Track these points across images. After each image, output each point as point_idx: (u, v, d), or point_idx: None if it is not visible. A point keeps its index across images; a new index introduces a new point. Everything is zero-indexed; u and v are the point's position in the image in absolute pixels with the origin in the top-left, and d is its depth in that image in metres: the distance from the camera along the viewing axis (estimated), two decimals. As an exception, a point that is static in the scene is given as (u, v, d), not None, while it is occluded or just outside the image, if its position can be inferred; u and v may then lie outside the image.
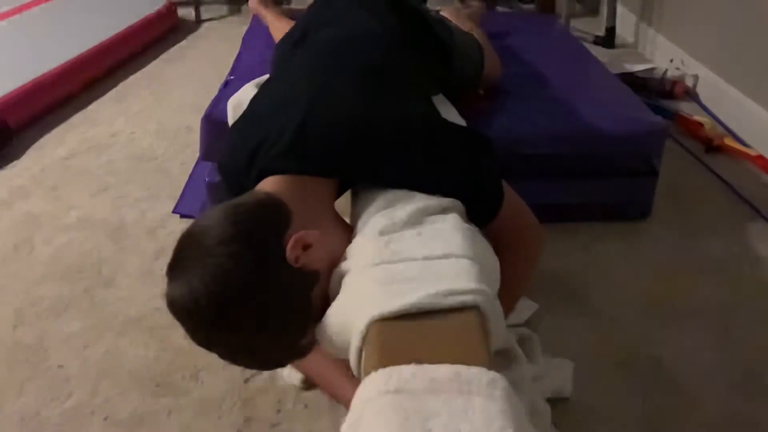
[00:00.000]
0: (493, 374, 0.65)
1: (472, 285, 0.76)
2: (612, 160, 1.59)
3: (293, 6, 2.81)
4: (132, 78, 2.59)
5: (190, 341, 0.82)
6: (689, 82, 2.36)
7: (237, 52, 2.02)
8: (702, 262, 1.52)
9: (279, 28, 1.81)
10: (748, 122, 2.05)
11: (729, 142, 1.99)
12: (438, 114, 1.09)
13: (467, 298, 0.74)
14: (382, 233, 0.85)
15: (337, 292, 0.83)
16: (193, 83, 2.52)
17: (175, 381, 1.21)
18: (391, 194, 0.91)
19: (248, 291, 0.78)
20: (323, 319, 0.83)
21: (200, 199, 1.70)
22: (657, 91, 2.32)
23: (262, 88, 1.14)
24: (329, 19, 1.26)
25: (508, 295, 0.89)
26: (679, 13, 2.52)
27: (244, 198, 0.85)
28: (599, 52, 2.43)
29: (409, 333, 0.72)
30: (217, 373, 1.21)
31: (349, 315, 0.78)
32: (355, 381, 0.72)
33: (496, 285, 0.87)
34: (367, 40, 1.16)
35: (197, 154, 1.85)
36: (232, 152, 1.04)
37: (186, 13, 3.24)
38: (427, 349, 0.69)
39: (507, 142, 1.49)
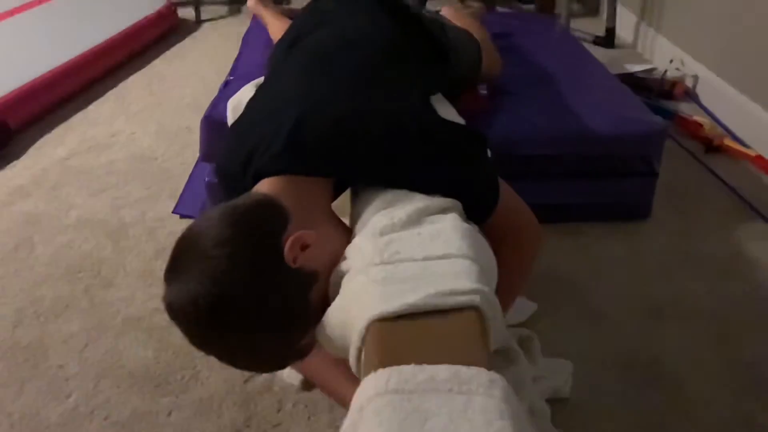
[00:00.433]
0: (492, 374, 0.65)
1: (471, 285, 0.76)
2: (612, 160, 1.59)
3: (293, 6, 2.81)
4: (132, 78, 2.59)
5: (189, 341, 0.82)
6: (689, 83, 2.36)
7: (237, 52, 2.03)
8: (701, 263, 1.52)
9: (277, 28, 1.81)
10: (748, 123, 2.05)
11: (728, 142, 1.99)
12: (432, 112, 1.09)
13: (467, 299, 0.74)
14: (381, 233, 0.85)
15: (337, 292, 0.83)
16: (193, 83, 2.52)
17: (175, 381, 1.21)
18: (391, 194, 0.91)
19: (247, 292, 0.77)
20: (323, 318, 0.83)
21: (200, 200, 1.70)
22: (657, 92, 2.32)
23: (258, 92, 1.14)
24: (321, 21, 1.26)
25: (505, 293, 0.89)
26: (679, 13, 2.52)
27: (241, 199, 0.85)
28: (599, 53, 2.43)
29: (409, 333, 0.72)
30: (216, 373, 1.21)
31: (348, 315, 0.78)
32: (355, 381, 0.72)
33: (494, 284, 0.87)
34: (359, 40, 1.16)
35: (197, 155, 1.85)
36: (228, 155, 1.04)
37: (186, 13, 3.24)
38: (426, 349, 0.69)
39: (507, 142, 1.50)
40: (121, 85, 2.52)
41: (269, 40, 1.89)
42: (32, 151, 2.04)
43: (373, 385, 0.65)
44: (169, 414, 1.15)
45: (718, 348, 1.28)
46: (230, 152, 1.04)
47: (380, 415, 0.62)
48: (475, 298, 0.75)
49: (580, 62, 1.95)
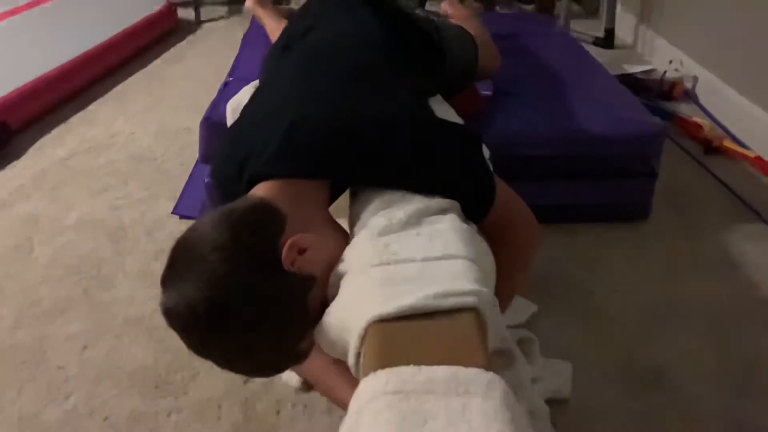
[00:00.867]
0: (491, 375, 0.65)
1: (470, 286, 0.76)
2: (611, 161, 1.59)
3: (292, 6, 2.81)
4: (132, 78, 2.59)
5: (188, 343, 0.82)
6: (688, 84, 2.36)
7: (236, 53, 2.03)
8: (701, 263, 1.52)
9: (276, 29, 1.81)
10: (747, 124, 2.05)
11: (727, 143, 1.99)
12: (427, 111, 1.09)
13: (466, 300, 0.74)
14: (380, 234, 0.85)
15: (336, 294, 0.83)
16: (193, 84, 2.52)
17: (175, 382, 1.21)
18: (390, 195, 0.91)
19: (244, 296, 0.77)
20: (322, 320, 0.83)
21: (199, 200, 1.70)
22: (656, 93, 2.33)
23: (252, 98, 1.14)
24: (311, 26, 1.26)
25: (504, 291, 0.89)
26: (678, 14, 2.52)
27: (238, 203, 0.85)
28: (598, 53, 2.43)
29: (408, 334, 0.72)
30: (216, 375, 1.21)
31: (347, 316, 0.78)
32: (353, 383, 0.72)
33: (493, 285, 0.87)
34: (350, 43, 1.16)
35: (196, 155, 1.85)
36: (223, 160, 1.04)
37: (186, 13, 3.24)
38: (425, 351, 0.69)
39: (506, 143, 1.50)
40: (121, 86, 2.52)
41: (269, 41, 1.89)
42: (32, 152, 2.04)
43: (371, 387, 0.65)
44: (169, 415, 1.15)
45: (717, 348, 1.28)
46: (225, 157, 1.04)
47: (379, 416, 0.62)
48: (474, 300, 0.75)
49: (580, 63, 1.95)
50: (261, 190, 0.89)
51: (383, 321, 0.73)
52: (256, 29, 2.12)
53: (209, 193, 1.59)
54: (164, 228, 1.65)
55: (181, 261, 0.79)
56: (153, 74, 2.64)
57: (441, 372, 0.65)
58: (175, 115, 2.25)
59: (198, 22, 3.23)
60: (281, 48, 1.27)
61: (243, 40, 2.13)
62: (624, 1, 2.93)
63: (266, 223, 0.83)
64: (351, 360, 0.76)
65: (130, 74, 2.62)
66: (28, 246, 1.60)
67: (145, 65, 2.71)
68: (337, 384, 1.08)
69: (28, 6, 2.84)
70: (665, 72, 2.39)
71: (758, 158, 1.91)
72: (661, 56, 2.58)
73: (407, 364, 0.66)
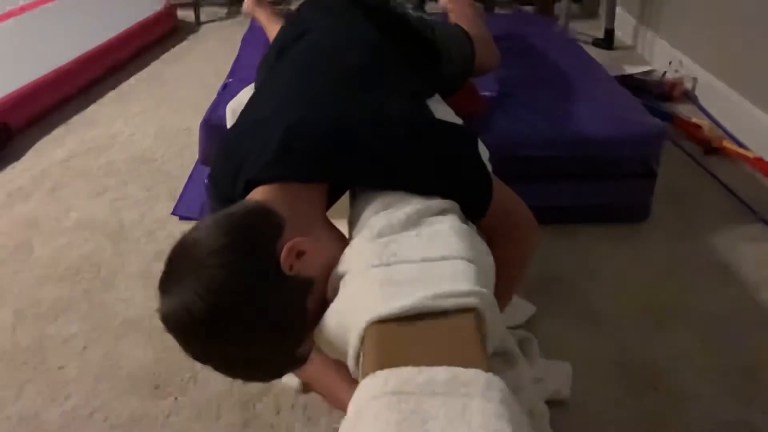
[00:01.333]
0: (490, 376, 0.65)
1: (469, 287, 0.76)
2: (610, 162, 1.59)
3: (291, 7, 2.81)
4: (132, 79, 2.60)
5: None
6: (688, 85, 2.36)
7: (236, 53, 2.03)
8: (700, 264, 1.52)
9: (274, 30, 1.81)
10: (747, 124, 2.05)
11: (727, 144, 1.99)
12: (423, 111, 1.09)
13: (465, 301, 0.74)
14: (380, 235, 0.85)
15: (336, 295, 0.83)
16: (193, 85, 2.52)
17: (174, 383, 1.21)
18: (389, 196, 0.91)
19: (243, 301, 0.76)
20: (321, 320, 0.83)
21: (199, 201, 1.71)
22: (655, 94, 2.33)
23: (248, 103, 1.14)
24: (304, 31, 1.26)
25: (502, 290, 0.88)
26: (677, 15, 2.52)
27: (235, 207, 0.84)
28: (598, 54, 2.43)
29: (407, 335, 0.72)
30: (215, 375, 1.20)
31: (347, 317, 0.78)
32: (353, 384, 0.72)
33: (493, 285, 0.87)
34: (344, 46, 1.16)
35: (196, 156, 1.85)
36: (220, 165, 1.04)
37: (185, 14, 3.24)
38: (424, 351, 0.69)
39: (506, 144, 1.50)
40: (121, 87, 2.53)
41: (268, 42, 1.89)
42: (32, 153, 2.04)
43: (371, 387, 0.65)
44: (168, 416, 1.15)
45: (716, 349, 1.28)
46: (222, 162, 1.04)
47: (378, 417, 0.62)
48: (474, 300, 0.75)
49: (579, 64, 1.95)
50: (258, 194, 0.89)
51: (383, 321, 0.73)
52: (255, 30, 2.12)
53: (209, 193, 1.59)
54: (164, 229, 1.66)
55: (179, 266, 0.79)
56: (153, 75, 2.64)
57: (441, 372, 0.65)
58: (175, 116, 2.26)
59: (198, 23, 3.23)
60: (275, 54, 1.27)
61: (243, 41, 2.13)
62: (624, 2, 2.93)
63: (264, 227, 0.83)
64: (350, 361, 0.76)
65: (130, 75, 2.63)
66: (28, 246, 1.60)
67: (144, 66, 2.72)
68: (337, 385, 1.08)
69: (28, 7, 2.84)
70: (665, 73, 2.39)
71: (758, 159, 1.91)
72: (661, 57, 2.58)
73: (407, 364, 0.66)
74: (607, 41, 2.84)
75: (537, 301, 1.36)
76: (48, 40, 2.57)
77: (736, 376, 1.22)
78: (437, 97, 1.29)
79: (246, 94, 1.44)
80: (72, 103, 2.36)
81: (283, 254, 0.80)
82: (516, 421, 0.62)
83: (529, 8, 3.31)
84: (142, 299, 1.42)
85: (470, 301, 0.75)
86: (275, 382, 1.19)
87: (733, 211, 1.72)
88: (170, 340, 0.80)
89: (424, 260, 0.80)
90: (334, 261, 0.86)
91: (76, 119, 2.26)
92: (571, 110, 1.63)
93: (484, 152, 1.09)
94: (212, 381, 1.21)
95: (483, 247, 0.89)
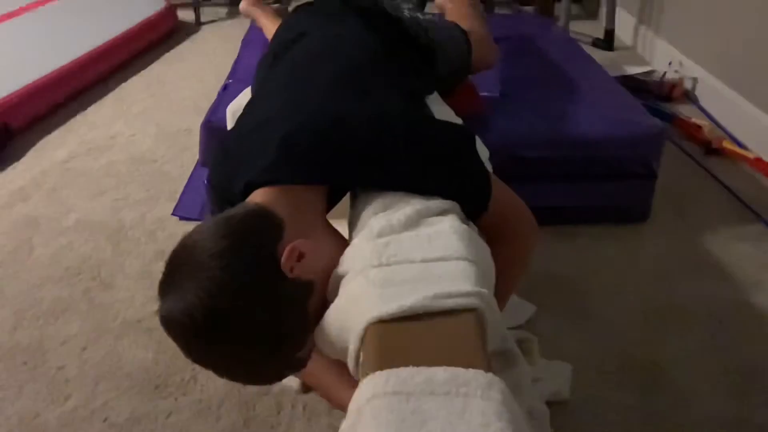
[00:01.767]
0: (490, 376, 0.65)
1: (470, 287, 0.76)
2: (611, 162, 1.59)
3: (290, 7, 2.81)
4: (132, 80, 2.60)
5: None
6: (688, 85, 2.37)
7: (236, 54, 2.03)
8: (700, 265, 1.52)
9: (272, 29, 1.81)
10: (747, 125, 2.05)
11: (727, 144, 1.99)
12: (419, 111, 1.09)
13: (465, 301, 0.74)
14: (380, 235, 0.85)
15: (336, 295, 0.83)
16: (193, 85, 2.52)
17: (174, 383, 1.21)
18: (389, 197, 0.91)
19: (244, 303, 0.76)
20: (321, 321, 0.83)
21: (199, 201, 1.71)
22: (656, 94, 2.33)
23: (245, 108, 1.14)
24: (298, 36, 1.26)
25: (502, 288, 0.88)
26: (677, 15, 2.52)
27: (235, 210, 0.84)
28: (598, 55, 2.43)
29: (407, 335, 0.72)
30: (216, 376, 1.21)
31: (347, 317, 0.78)
32: (353, 384, 0.72)
33: (493, 286, 0.87)
34: (339, 48, 1.16)
35: (196, 156, 1.86)
36: (219, 169, 1.04)
37: (186, 15, 3.24)
38: (424, 352, 0.69)
39: (506, 145, 1.50)
40: (121, 88, 2.53)
41: (268, 42, 1.89)
42: (32, 153, 2.04)
43: (371, 387, 0.65)
44: (168, 416, 1.15)
45: (716, 349, 1.28)
46: (221, 166, 1.04)
47: (378, 417, 0.62)
48: (474, 301, 0.75)
49: (579, 64, 1.95)
50: (258, 197, 0.89)
51: (383, 322, 0.73)
52: (255, 31, 2.12)
53: (209, 196, 1.59)
54: (164, 229, 1.66)
55: (179, 269, 0.78)
56: (153, 76, 2.64)
57: (440, 373, 0.65)
58: (175, 117, 2.26)
59: (198, 24, 3.24)
60: (271, 58, 1.27)
61: (243, 41, 2.14)
62: (624, 2, 2.93)
63: (264, 230, 0.83)
64: (350, 361, 0.76)
65: (131, 76, 2.63)
66: (28, 247, 1.60)
67: (145, 66, 2.72)
68: (337, 385, 1.08)
69: (29, 8, 2.84)
70: (665, 73, 2.39)
71: (758, 159, 1.91)
72: (661, 57, 2.58)
73: (407, 364, 0.66)
74: (607, 42, 2.84)
75: (537, 301, 1.36)
76: (48, 41, 2.57)
77: (736, 376, 1.22)
78: (437, 97, 1.29)
79: (246, 95, 1.44)
80: (72, 104, 2.36)
81: (283, 257, 0.80)
82: (516, 422, 0.62)
83: (529, 8, 3.31)
84: (142, 299, 1.42)
85: (470, 301, 0.75)
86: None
87: (733, 211, 1.72)
88: (170, 340, 0.80)
89: (424, 260, 0.80)
90: (335, 263, 0.86)
91: (77, 120, 2.26)
92: (571, 111, 1.63)
93: (484, 152, 1.09)
94: (212, 381, 1.21)
95: (483, 247, 0.89)
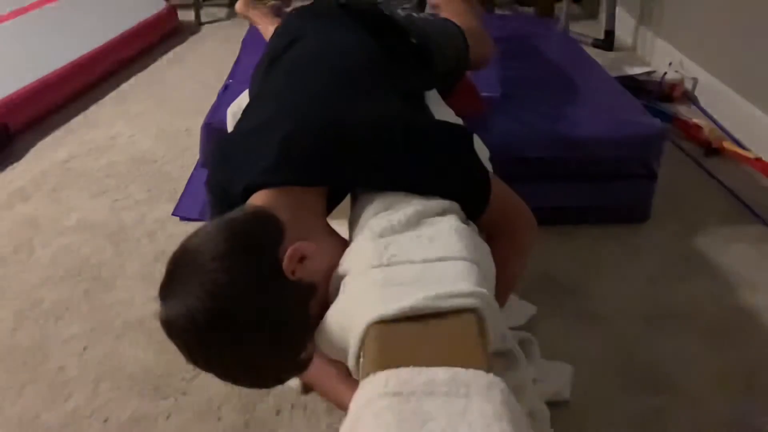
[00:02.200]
0: (491, 377, 0.65)
1: (470, 288, 0.76)
2: (611, 163, 1.59)
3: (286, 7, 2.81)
4: (132, 80, 2.60)
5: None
6: (688, 85, 2.37)
7: (236, 55, 2.03)
8: (700, 265, 1.52)
9: (269, 28, 1.80)
10: (747, 125, 2.05)
11: (728, 145, 1.99)
12: (417, 111, 1.09)
13: (466, 301, 0.75)
14: (381, 235, 0.85)
15: (337, 295, 0.83)
16: (193, 86, 2.52)
17: (175, 383, 1.21)
18: (389, 197, 0.91)
19: (245, 306, 0.76)
20: (322, 321, 0.83)
21: (200, 202, 1.71)
22: (656, 94, 2.33)
23: (243, 112, 1.14)
24: (293, 39, 1.26)
25: (501, 287, 0.89)
26: (678, 16, 2.52)
27: (236, 213, 0.84)
28: (598, 55, 2.43)
29: (408, 336, 0.72)
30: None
31: (347, 317, 0.78)
32: (353, 384, 0.72)
33: (493, 285, 0.87)
34: (335, 50, 1.16)
35: (197, 157, 1.85)
36: (219, 170, 1.04)
37: (186, 15, 3.24)
38: (425, 352, 0.69)
39: (506, 145, 1.50)
40: (121, 88, 2.53)
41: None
42: (32, 154, 2.04)
43: (371, 388, 0.65)
44: (169, 417, 1.15)
45: (716, 350, 1.28)
46: (219, 168, 1.04)
47: (379, 417, 0.62)
48: (474, 301, 0.75)
49: (580, 65, 1.95)
50: (258, 199, 0.88)
51: (383, 322, 0.73)
52: (256, 31, 2.12)
53: (208, 199, 1.59)
54: (165, 230, 1.66)
55: (180, 271, 0.78)
56: (153, 76, 2.64)
57: (441, 373, 0.65)
58: (175, 117, 2.26)
59: (198, 24, 3.23)
60: (268, 62, 1.27)
61: (243, 42, 2.14)
62: (624, 2, 2.93)
63: (266, 232, 0.82)
64: (351, 361, 0.76)
65: (131, 76, 2.63)
66: (28, 247, 1.60)
67: (145, 67, 2.72)
68: (337, 385, 1.08)
69: (29, 8, 2.84)
70: (665, 74, 2.39)
71: (758, 160, 1.91)
72: (661, 58, 2.58)
73: (407, 365, 0.66)
74: (607, 42, 2.84)
75: (537, 301, 1.36)
76: (48, 41, 2.57)
77: (736, 377, 1.22)
78: (437, 97, 1.29)
79: (247, 96, 1.44)
80: (72, 104, 2.36)
81: (285, 259, 0.80)
82: (516, 422, 0.62)
83: (529, 9, 3.31)
84: (143, 300, 1.42)
85: (471, 301, 0.75)
86: (276, 383, 1.19)
87: (733, 211, 1.72)
88: (171, 341, 0.80)
89: (424, 261, 0.80)
90: (335, 265, 0.86)
91: (77, 120, 2.26)
92: (571, 111, 1.63)
93: (484, 152, 1.09)
94: (213, 382, 1.20)
95: (483, 247, 0.89)
